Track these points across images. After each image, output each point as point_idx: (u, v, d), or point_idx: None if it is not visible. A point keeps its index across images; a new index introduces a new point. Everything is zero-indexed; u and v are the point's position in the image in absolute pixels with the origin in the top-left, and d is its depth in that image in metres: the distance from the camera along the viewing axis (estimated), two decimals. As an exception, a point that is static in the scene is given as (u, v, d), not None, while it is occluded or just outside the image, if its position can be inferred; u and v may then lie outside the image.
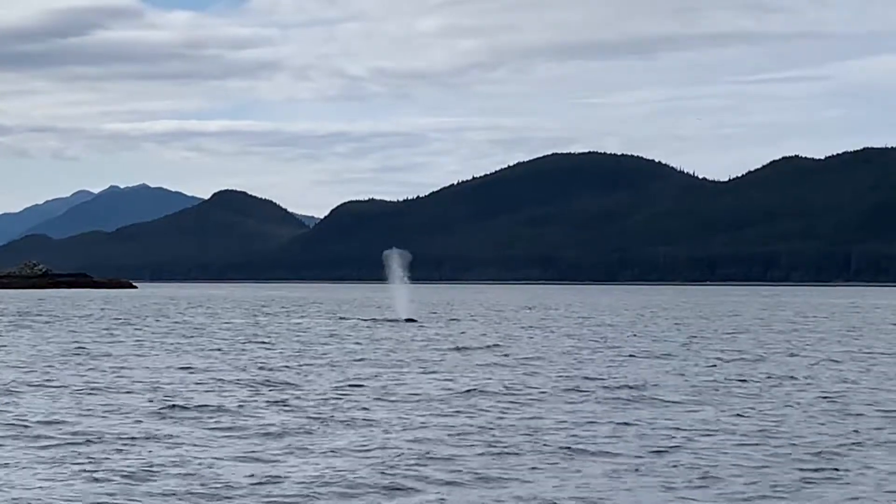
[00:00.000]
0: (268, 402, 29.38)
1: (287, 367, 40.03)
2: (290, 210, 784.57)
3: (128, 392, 31.49)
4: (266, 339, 57.57)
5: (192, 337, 59.93)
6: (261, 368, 39.10)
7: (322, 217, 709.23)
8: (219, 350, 49.16)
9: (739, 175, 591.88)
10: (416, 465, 20.53)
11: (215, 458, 21.03)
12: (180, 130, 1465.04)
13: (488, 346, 50.96)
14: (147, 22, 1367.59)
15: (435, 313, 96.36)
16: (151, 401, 29.32)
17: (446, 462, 20.86)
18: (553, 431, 24.55)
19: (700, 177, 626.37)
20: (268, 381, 34.61)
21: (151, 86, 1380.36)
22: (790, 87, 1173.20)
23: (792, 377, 37.66)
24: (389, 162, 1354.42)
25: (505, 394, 31.31)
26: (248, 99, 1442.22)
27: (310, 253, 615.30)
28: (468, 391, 31.81)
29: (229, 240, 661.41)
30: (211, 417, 26.33)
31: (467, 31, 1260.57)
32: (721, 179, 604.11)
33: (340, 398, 30.13)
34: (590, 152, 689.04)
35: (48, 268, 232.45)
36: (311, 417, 26.42)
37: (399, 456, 21.20)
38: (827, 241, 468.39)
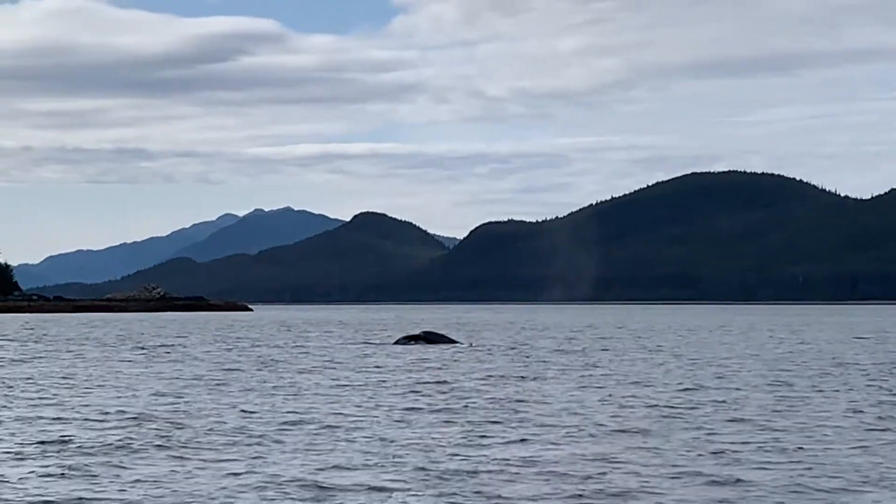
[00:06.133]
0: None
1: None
2: (429, 231, 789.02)
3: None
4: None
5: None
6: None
7: (461, 238, 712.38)
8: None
9: (882, 192, 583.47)
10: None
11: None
12: (323, 153, 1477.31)
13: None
14: (289, 46, 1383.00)
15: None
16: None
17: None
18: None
19: (842, 194, 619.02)
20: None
21: (294, 110, 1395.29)
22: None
23: None
24: (529, 182, 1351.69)
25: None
26: (389, 121, 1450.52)
27: (448, 274, 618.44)
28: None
29: (369, 261, 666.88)
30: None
31: (605, 50, 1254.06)
32: (863, 197, 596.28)
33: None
34: (730, 171, 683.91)
35: (165, 291, 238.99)
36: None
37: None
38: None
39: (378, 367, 52.61)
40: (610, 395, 36.85)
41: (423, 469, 22.53)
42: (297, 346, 77.52)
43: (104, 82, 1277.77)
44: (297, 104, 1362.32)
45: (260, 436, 27.27)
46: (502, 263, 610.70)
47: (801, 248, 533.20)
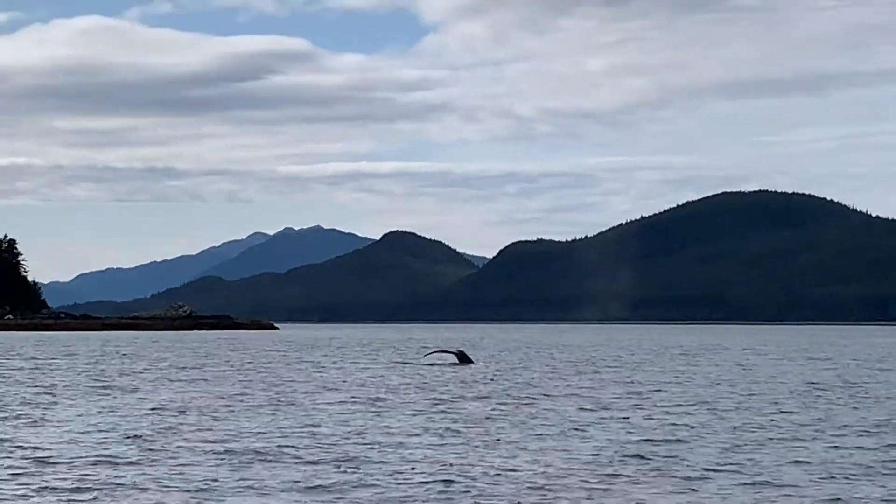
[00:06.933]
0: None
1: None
2: (458, 250, 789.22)
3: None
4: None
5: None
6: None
7: (491, 257, 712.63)
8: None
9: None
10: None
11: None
12: (352, 172, 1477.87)
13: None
14: (319, 65, 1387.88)
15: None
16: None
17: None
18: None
19: (873, 215, 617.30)
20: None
21: (324, 128, 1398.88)
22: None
23: None
24: (559, 202, 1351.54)
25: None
26: (419, 140, 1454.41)
27: (478, 293, 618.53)
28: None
29: (398, 280, 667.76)
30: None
31: (635, 70, 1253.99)
32: (894, 217, 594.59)
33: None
34: (761, 191, 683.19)
35: (192, 310, 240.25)
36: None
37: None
38: None
39: (385, 387, 52.59)
40: (601, 419, 36.74)
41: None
42: (308, 362, 77.89)
43: (134, 101, 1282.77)
44: (327, 123, 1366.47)
45: (238, 458, 27.35)
46: (532, 283, 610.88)
47: (831, 269, 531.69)
